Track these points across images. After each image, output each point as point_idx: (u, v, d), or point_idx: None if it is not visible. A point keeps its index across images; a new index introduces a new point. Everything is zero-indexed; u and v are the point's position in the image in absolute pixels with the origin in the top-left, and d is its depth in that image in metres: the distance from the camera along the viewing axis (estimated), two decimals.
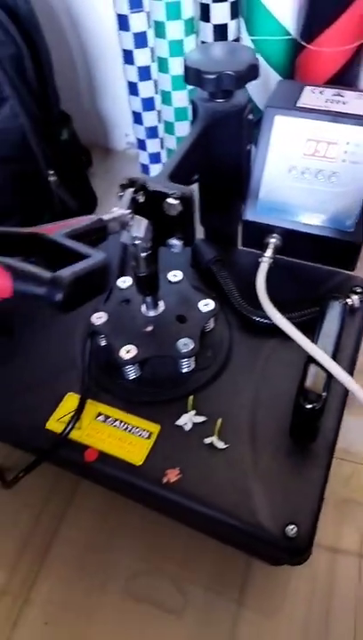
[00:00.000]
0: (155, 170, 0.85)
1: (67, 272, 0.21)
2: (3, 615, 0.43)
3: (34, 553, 0.46)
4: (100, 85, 0.84)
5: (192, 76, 0.40)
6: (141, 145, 0.83)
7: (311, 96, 0.40)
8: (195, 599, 0.43)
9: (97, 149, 0.90)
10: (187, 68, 0.40)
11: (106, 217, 0.30)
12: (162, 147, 0.81)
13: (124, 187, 0.34)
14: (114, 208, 0.32)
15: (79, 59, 0.81)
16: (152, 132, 0.80)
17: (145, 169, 0.86)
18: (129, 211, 0.32)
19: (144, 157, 0.84)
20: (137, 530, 0.47)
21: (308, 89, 0.41)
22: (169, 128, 0.76)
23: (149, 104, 0.76)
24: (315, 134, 0.39)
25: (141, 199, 0.33)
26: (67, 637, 0.42)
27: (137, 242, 0.34)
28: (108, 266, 0.23)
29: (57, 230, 0.25)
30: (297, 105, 0.40)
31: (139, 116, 0.78)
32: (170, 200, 0.34)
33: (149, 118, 0.78)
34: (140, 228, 0.33)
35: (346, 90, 0.41)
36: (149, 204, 0.34)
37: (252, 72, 0.39)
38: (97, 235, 0.28)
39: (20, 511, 0.49)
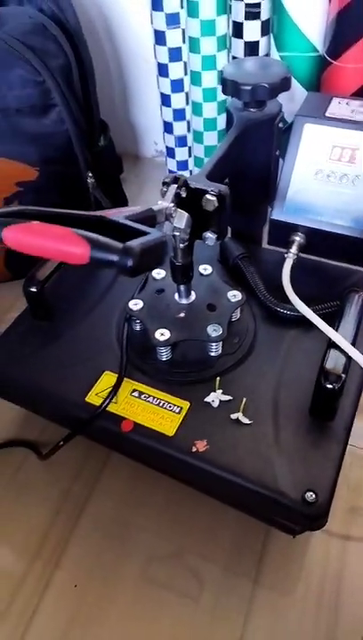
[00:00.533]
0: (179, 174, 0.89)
1: (135, 243, 0.25)
2: (35, 577, 0.47)
3: (64, 523, 0.50)
4: (133, 96, 0.89)
5: (230, 87, 0.44)
6: (170, 153, 0.87)
7: (338, 107, 0.44)
8: (212, 580, 0.45)
9: (127, 156, 0.95)
10: (224, 80, 0.44)
11: (155, 207, 0.34)
12: (190, 155, 0.86)
13: (166, 184, 0.38)
14: (159, 201, 0.36)
15: (115, 71, 0.86)
16: (182, 141, 0.84)
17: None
18: (173, 204, 0.36)
19: (172, 164, 0.89)
20: (160, 508, 0.50)
21: (335, 100, 0.45)
22: (198, 137, 0.81)
23: (180, 114, 0.81)
24: (340, 141, 0.43)
25: (184, 194, 0.37)
26: (94, 599, 0.45)
27: (177, 233, 0.38)
28: (166, 241, 0.27)
29: (117, 214, 0.29)
30: (325, 114, 0.44)
31: (170, 125, 0.82)
32: (208, 196, 0.38)
33: (180, 128, 0.82)
34: (181, 219, 0.37)
35: None
36: (189, 199, 0.38)
37: (284, 84, 0.43)
38: (148, 222, 0.32)
39: (52, 484, 0.53)
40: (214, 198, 0.38)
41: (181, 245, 0.40)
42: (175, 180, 0.37)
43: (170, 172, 0.90)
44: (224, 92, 0.45)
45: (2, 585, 0.46)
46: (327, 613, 0.43)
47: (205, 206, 0.38)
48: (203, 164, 0.84)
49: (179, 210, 0.36)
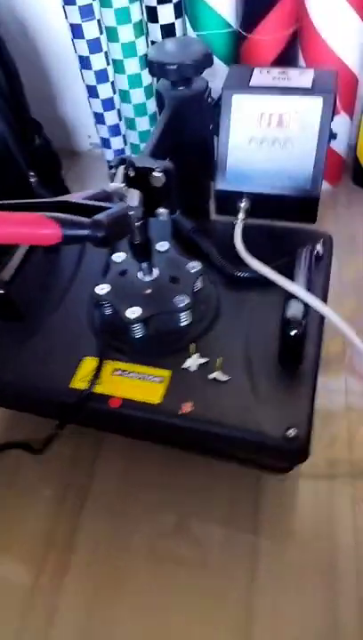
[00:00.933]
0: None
1: (102, 215, 0.27)
2: (52, 565, 0.49)
3: (69, 511, 0.51)
4: (61, 92, 0.89)
5: (156, 68, 0.46)
6: (106, 143, 0.88)
7: (260, 76, 0.47)
8: (215, 542, 0.48)
9: (64, 152, 0.95)
10: (150, 63, 0.46)
11: (108, 189, 0.36)
12: (125, 143, 0.88)
13: (113, 166, 0.40)
14: (111, 184, 0.38)
15: (39, 70, 0.86)
16: (115, 130, 0.86)
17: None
18: (124, 184, 0.38)
19: (109, 154, 0.90)
20: (156, 481, 0.52)
21: (257, 70, 0.48)
22: (131, 124, 0.82)
23: (109, 104, 0.82)
24: (267, 108, 0.46)
25: (132, 174, 0.39)
26: (107, 577, 0.48)
27: (131, 212, 0.40)
28: (128, 211, 0.29)
29: (76, 197, 0.31)
30: (250, 85, 0.47)
31: (101, 116, 0.84)
32: (155, 173, 0.40)
33: (111, 117, 0.84)
34: (133, 198, 0.39)
35: (289, 68, 0.48)
36: (137, 178, 0.40)
37: (207, 60, 0.46)
38: (105, 201, 0.34)
39: (51, 479, 0.54)
40: (161, 174, 0.40)
41: (137, 224, 0.42)
42: (122, 161, 0.39)
43: (108, 162, 0.91)
44: (151, 73, 0.47)
45: (23, 573, 0.48)
46: (326, 551, 0.47)
47: (154, 183, 0.40)
48: (139, 150, 0.86)
49: (130, 189, 0.39)
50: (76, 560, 0.49)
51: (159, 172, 0.40)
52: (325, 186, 0.82)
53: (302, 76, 0.47)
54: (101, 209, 0.28)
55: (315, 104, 0.45)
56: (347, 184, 0.85)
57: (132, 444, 0.53)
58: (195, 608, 0.45)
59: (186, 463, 0.52)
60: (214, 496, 0.51)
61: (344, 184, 0.85)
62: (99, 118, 0.84)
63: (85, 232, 0.27)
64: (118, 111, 0.83)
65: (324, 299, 0.50)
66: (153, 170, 0.40)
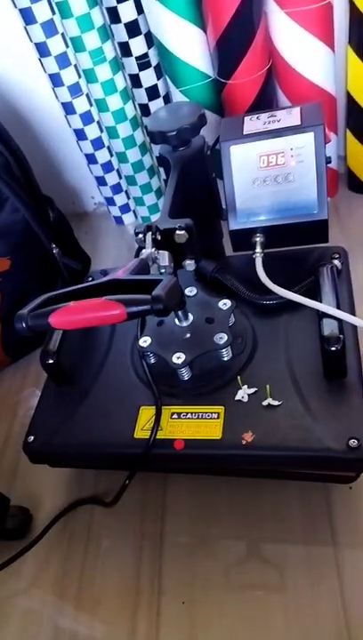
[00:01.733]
0: (127, 218, 0.96)
1: (158, 290, 0.31)
2: (145, 610, 0.51)
3: (150, 556, 0.54)
4: (61, 163, 0.95)
5: (157, 137, 0.51)
6: (110, 202, 0.94)
7: (251, 123, 0.52)
8: (294, 560, 0.49)
9: (72, 217, 1.01)
10: (151, 133, 0.51)
11: (143, 256, 0.40)
12: (128, 197, 0.93)
13: (140, 233, 0.44)
14: (143, 250, 0.42)
15: (40, 148, 0.92)
16: (117, 189, 0.91)
17: (118, 220, 0.97)
18: (154, 249, 0.42)
19: (115, 211, 0.95)
20: (227, 511, 0.54)
21: (247, 118, 0.52)
22: (131, 181, 0.88)
23: (108, 167, 0.88)
24: (264, 150, 0.50)
25: (159, 237, 0.43)
26: (203, 614, 0.49)
27: (163, 270, 0.44)
28: (177, 280, 0.33)
29: (122, 274, 0.34)
30: (244, 133, 0.51)
31: (102, 179, 0.89)
32: (178, 232, 0.44)
33: (112, 178, 0.89)
34: (164, 258, 0.43)
35: (276, 110, 0.52)
36: (163, 239, 0.44)
37: (202, 120, 0.51)
38: (145, 270, 0.38)
39: (125, 529, 0.56)
40: (184, 232, 0.44)
41: None
42: (148, 228, 0.43)
43: (115, 218, 0.97)
44: (153, 142, 0.51)
45: (120, 621, 0.50)
46: None
47: (178, 240, 0.44)
48: (143, 202, 0.91)
49: (160, 251, 0.42)
50: (166, 601, 0.50)
51: (182, 229, 0.44)
52: None
53: (289, 115, 0.51)
54: (150, 282, 0.32)
55: (307, 138, 0.49)
56: (344, 192, 0.88)
57: (196, 481, 0.56)
58: (294, 626, 0.46)
59: (253, 489, 0.54)
60: (286, 515, 0.52)
61: (342, 193, 0.88)
62: (100, 181, 0.90)
63: (147, 307, 0.30)
64: (118, 171, 0.88)
65: (352, 309, 0.53)
66: (176, 229, 0.44)
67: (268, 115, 0.52)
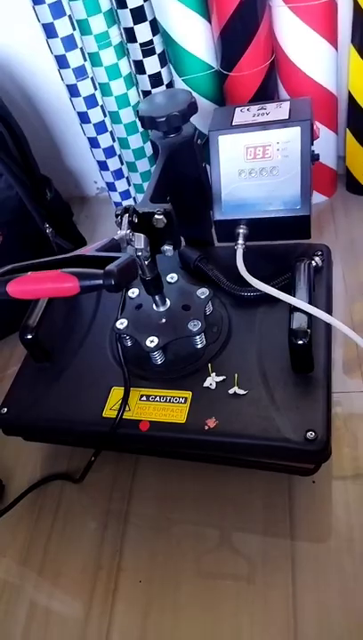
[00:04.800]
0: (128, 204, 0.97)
1: (112, 266, 0.32)
2: (103, 585, 0.52)
3: (113, 534, 0.55)
4: (65, 146, 0.96)
5: (147, 121, 0.51)
6: (111, 187, 0.95)
7: (241, 114, 0.52)
8: (256, 551, 0.50)
9: (73, 200, 1.02)
10: (141, 117, 0.52)
11: (116, 237, 0.40)
12: (129, 184, 0.93)
13: (119, 215, 0.45)
14: (118, 231, 0.43)
15: (42, 129, 0.93)
16: (118, 175, 0.92)
17: (119, 206, 0.97)
18: (129, 230, 0.43)
19: (116, 197, 0.96)
20: (193, 496, 0.55)
21: (238, 110, 0.53)
22: (132, 167, 0.88)
23: (110, 152, 0.88)
24: (251, 142, 0.51)
25: (136, 220, 0.44)
26: (160, 593, 0.50)
27: (139, 253, 0.45)
28: (135, 258, 0.34)
29: (89, 250, 0.35)
30: (233, 124, 0.51)
31: (104, 163, 0.90)
32: (157, 216, 0.45)
33: (113, 163, 0.90)
34: (140, 241, 0.43)
35: (267, 103, 0.53)
36: (141, 223, 0.45)
37: (192, 108, 0.51)
38: (115, 250, 0.38)
39: (93, 506, 0.58)
40: (162, 216, 0.44)
41: (146, 262, 0.47)
42: (126, 210, 0.43)
43: (115, 204, 0.97)
44: (143, 126, 0.52)
45: (78, 592, 0.51)
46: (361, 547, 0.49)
47: (157, 224, 0.45)
48: (143, 190, 0.92)
49: (136, 233, 0.43)
50: (125, 578, 0.52)
51: (160, 214, 0.44)
52: (321, 198, 0.86)
53: (279, 109, 0.51)
54: (111, 259, 0.33)
55: (294, 133, 0.50)
56: (342, 193, 0.88)
57: (165, 464, 0.57)
58: (245, 613, 0.47)
59: (219, 475, 0.55)
60: (249, 503, 0.53)
61: (340, 193, 0.88)
62: (102, 165, 0.90)
63: (99, 282, 0.31)
64: (120, 156, 0.89)
65: (328, 306, 0.54)
66: (154, 213, 0.44)
67: (258, 107, 0.52)
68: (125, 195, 0.95)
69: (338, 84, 0.73)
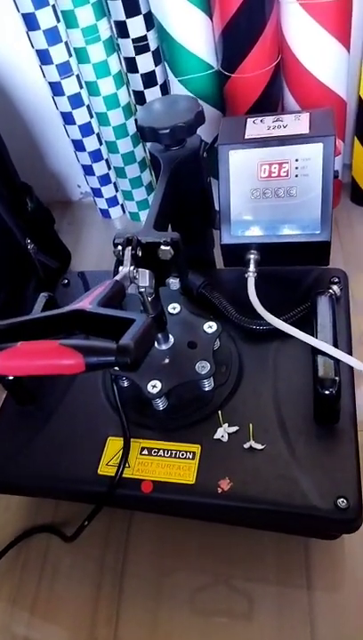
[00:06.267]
0: (114, 212, 0.90)
1: (127, 339, 0.25)
2: None
3: (109, 594, 0.49)
4: (46, 148, 0.88)
5: (148, 133, 0.44)
6: (97, 193, 0.87)
7: (254, 127, 0.46)
8: (265, 597, 0.46)
9: (55, 205, 0.94)
10: (141, 128, 0.45)
11: (118, 277, 0.34)
12: (117, 190, 0.86)
13: (117, 245, 0.38)
14: (120, 267, 0.36)
15: (22, 130, 0.85)
16: (105, 180, 0.85)
17: (105, 213, 0.90)
18: (133, 267, 0.36)
19: (102, 203, 0.89)
20: (197, 550, 0.50)
21: (250, 121, 0.47)
22: (120, 173, 0.81)
23: (96, 156, 0.81)
24: (266, 158, 0.45)
25: (140, 253, 0.37)
26: None
27: (142, 290, 0.39)
28: (153, 324, 0.27)
29: (89, 302, 0.29)
30: (245, 137, 0.45)
31: (89, 167, 0.82)
32: (163, 247, 0.38)
33: (99, 168, 0.83)
34: (145, 278, 0.37)
35: (283, 114, 0.47)
36: (145, 255, 0.38)
37: (199, 118, 0.45)
38: (119, 295, 0.32)
39: (85, 560, 0.52)
40: (169, 247, 0.38)
41: (150, 299, 0.40)
42: (128, 241, 0.37)
43: (101, 211, 0.90)
44: (143, 139, 0.45)
45: None
46: None
47: (162, 256, 0.39)
48: (132, 197, 0.85)
49: (140, 270, 0.37)
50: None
51: (167, 244, 0.38)
52: None
53: (297, 122, 0.45)
54: (123, 321, 0.26)
55: (315, 150, 0.44)
56: (346, 203, 0.83)
57: (164, 516, 0.51)
58: None
59: (224, 529, 0.49)
60: (261, 558, 0.48)
61: (343, 203, 0.83)
62: (87, 170, 0.83)
63: (111, 359, 0.25)
64: (107, 161, 0.82)
65: (349, 344, 0.48)
66: (160, 244, 0.38)
67: (273, 118, 0.46)
68: (112, 202, 0.88)
69: (348, 88, 0.67)
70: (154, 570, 0.50)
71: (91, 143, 0.79)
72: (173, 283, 0.41)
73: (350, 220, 0.81)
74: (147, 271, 0.37)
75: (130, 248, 0.37)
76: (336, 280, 0.51)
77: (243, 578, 0.47)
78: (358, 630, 0.43)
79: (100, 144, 0.79)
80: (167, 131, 0.43)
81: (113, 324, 0.26)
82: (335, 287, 0.50)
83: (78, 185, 0.94)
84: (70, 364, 0.24)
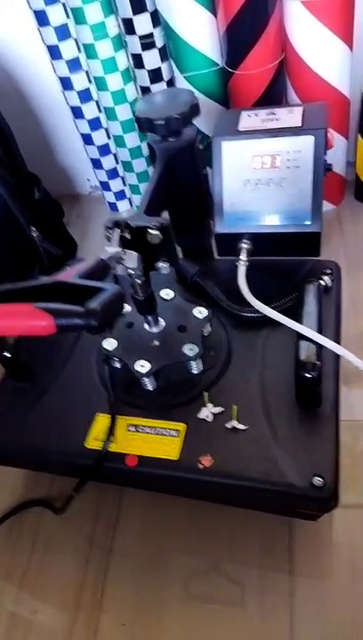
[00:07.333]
0: (122, 205, 0.92)
1: (95, 303, 0.27)
2: (83, 627, 0.48)
3: (96, 568, 0.51)
4: (56, 142, 0.90)
5: (144, 124, 0.46)
6: (105, 186, 0.90)
7: (248, 119, 0.47)
8: (251, 582, 0.47)
9: (65, 198, 0.97)
10: (138, 119, 0.47)
11: (104, 256, 0.36)
12: (124, 184, 0.88)
13: (109, 228, 0.40)
14: (107, 247, 0.38)
15: (33, 123, 0.88)
16: (113, 174, 0.87)
17: (113, 207, 0.92)
18: (120, 248, 0.38)
19: (110, 196, 0.91)
20: (184, 527, 0.51)
21: (244, 114, 0.48)
22: (128, 167, 0.83)
23: (105, 150, 0.83)
24: (259, 151, 0.46)
25: (128, 236, 0.39)
26: (145, 633, 0.46)
27: (131, 272, 0.40)
28: (122, 293, 0.29)
29: (71, 275, 0.30)
30: (238, 129, 0.47)
31: (98, 161, 0.85)
32: (151, 231, 0.40)
33: (108, 162, 0.85)
34: (132, 260, 0.39)
35: (277, 107, 0.48)
36: (134, 238, 0.40)
37: (194, 110, 0.46)
38: (102, 272, 0.34)
39: (75, 534, 0.54)
40: (158, 232, 0.40)
41: (139, 281, 0.42)
42: (117, 224, 0.39)
43: (110, 204, 0.92)
44: (140, 129, 0.47)
45: (54, 635, 0.47)
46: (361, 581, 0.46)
47: (151, 240, 0.40)
48: (139, 191, 0.87)
49: (127, 251, 0.38)
50: (106, 621, 0.48)
51: (156, 229, 0.40)
52: (328, 206, 0.82)
53: (290, 115, 0.47)
54: (95, 290, 0.28)
55: (306, 142, 0.45)
56: (350, 201, 0.84)
57: (154, 495, 0.52)
58: None
59: (214, 508, 0.50)
60: (246, 539, 0.50)
61: (347, 201, 0.84)
62: (96, 163, 0.85)
63: (79, 321, 0.26)
64: (115, 155, 0.84)
65: (337, 332, 0.49)
66: (149, 228, 0.39)
67: (267, 112, 0.47)
68: (120, 195, 0.90)
69: (351, 86, 0.68)
70: (141, 548, 0.51)
71: (99, 137, 0.81)
72: (163, 267, 0.43)
73: (354, 217, 0.82)
74: (135, 253, 0.39)
75: (118, 230, 0.38)
76: (328, 271, 0.52)
77: (227, 559, 0.49)
78: (338, 618, 0.44)
79: (109, 138, 0.82)
80: (162, 122, 0.45)
81: (87, 293, 0.28)
82: (327, 278, 0.51)
83: (88, 179, 0.97)
84: (42, 325, 0.26)
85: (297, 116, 0.46)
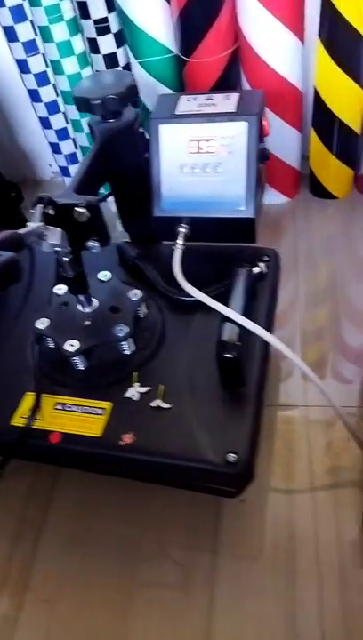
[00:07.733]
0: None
1: None
2: (8, 601, 0.48)
3: (24, 546, 0.51)
4: (16, 125, 0.90)
5: (81, 104, 0.46)
6: (65, 172, 0.89)
7: (186, 104, 0.48)
8: (174, 559, 0.48)
9: (27, 183, 0.96)
10: (75, 98, 0.47)
11: (21, 230, 0.36)
12: None
13: (34, 204, 0.40)
14: (28, 223, 0.38)
15: None
16: (73, 159, 0.86)
17: None
18: (42, 223, 0.38)
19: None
20: (115, 508, 0.52)
21: (183, 98, 0.48)
22: (86, 152, 0.83)
23: (63, 134, 0.83)
24: (195, 135, 0.47)
25: (52, 212, 0.39)
26: (66, 609, 0.47)
27: (57, 248, 0.41)
28: (14, 261, 0.29)
29: None
30: (175, 113, 0.47)
31: (57, 145, 0.84)
32: (78, 209, 0.40)
33: (67, 146, 0.84)
34: (55, 235, 0.39)
35: (215, 93, 0.48)
36: (60, 215, 0.40)
37: (131, 92, 0.46)
38: (16, 245, 0.34)
39: (6, 512, 0.54)
40: (85, 210, 0.40)
41: (66, 259, 0.42)
42: (40, 199, 0.39)
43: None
44: (78, 109, 0.47)
45: None
46: (284, 564, 0.47)
47: (79, 218, 0.40)
48: None
49: (50, 227, 0.39)
50: (31, 596, 0.48)
51: (83, 207, 0.40)
52: (283, 199, 0.83)
53: (226, 101, 0.47)
54: None
55: (240, 128, 0.46)
56: (305, 195, 0.85)
57: (88, 474, 0.53)
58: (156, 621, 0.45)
59: (145, 488, 0.51)
60: (174, 519, 0.50)
61: (302, 196, 0.85)
62: (55, 148, 0.85)
63: None
64: (73, 140, 0.84)
65: (269, 317, 0.50)
66: (76, 205, 0.40)
67: (205, 97, 0.48)
68: None
69: (305, 80, 0.69)
70: (72, 527, 0.52)
71: (57, 121, 0.81)
72: (93, 246, 0.43)
73: (308, 210, 0.83)
74: (58, 229, 0.39)
75: (41, 206, 0.38)
76: (266, 259, 0.53)
77: (154, 538, 0.50)
78: (254, 600, 0.45)
79: (67, 123, 0.81)
80: (98, 102, 0.45)
81: None
82: (262, 265, 0.52)
83: (50, 164, 0.96)
84: None
85: (233, 102, 0.47)
